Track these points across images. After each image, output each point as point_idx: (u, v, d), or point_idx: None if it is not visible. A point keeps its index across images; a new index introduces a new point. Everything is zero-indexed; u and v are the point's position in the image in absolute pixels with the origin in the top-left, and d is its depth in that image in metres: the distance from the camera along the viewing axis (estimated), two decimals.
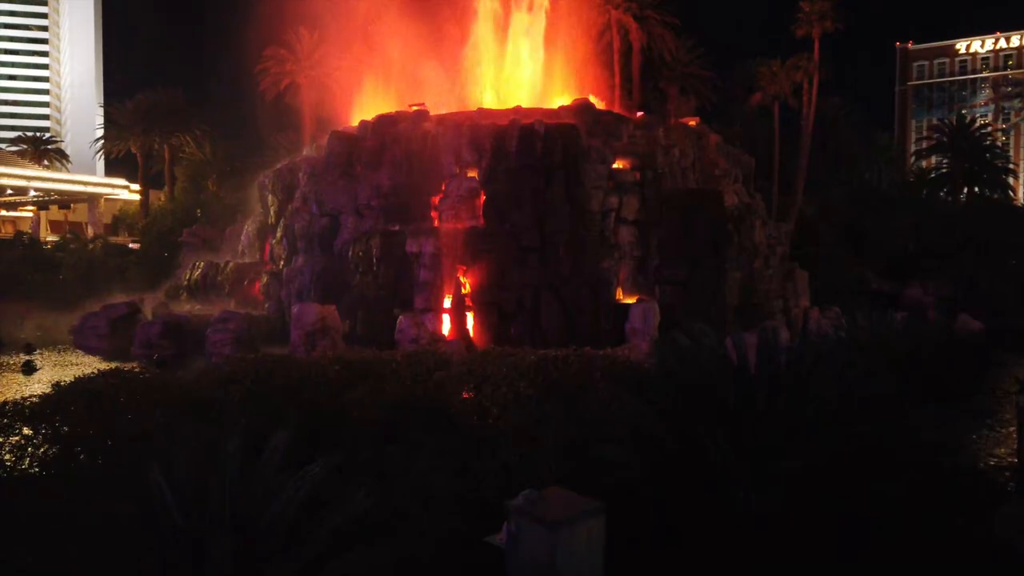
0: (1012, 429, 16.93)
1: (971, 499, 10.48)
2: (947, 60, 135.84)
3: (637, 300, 33.46)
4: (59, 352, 34.36)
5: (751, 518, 9.29)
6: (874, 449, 9.91)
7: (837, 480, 9.47)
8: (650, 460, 10.13)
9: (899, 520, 9.52)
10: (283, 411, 11.88)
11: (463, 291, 32.69)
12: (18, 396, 11.82)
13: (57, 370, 29.63)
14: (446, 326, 32.23)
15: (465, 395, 13.91)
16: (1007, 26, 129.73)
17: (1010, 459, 15.15)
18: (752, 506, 9.27)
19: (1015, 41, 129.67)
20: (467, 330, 31.91)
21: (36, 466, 10.40)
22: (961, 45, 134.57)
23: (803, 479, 9.40)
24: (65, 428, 10.91)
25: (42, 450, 10.64)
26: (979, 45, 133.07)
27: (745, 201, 41.47)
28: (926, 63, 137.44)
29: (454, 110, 40.79)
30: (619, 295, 34.74)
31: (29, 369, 29.79)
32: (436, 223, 34.77)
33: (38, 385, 24.15)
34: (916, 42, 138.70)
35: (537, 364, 13.85)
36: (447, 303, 32.56)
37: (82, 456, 10.64)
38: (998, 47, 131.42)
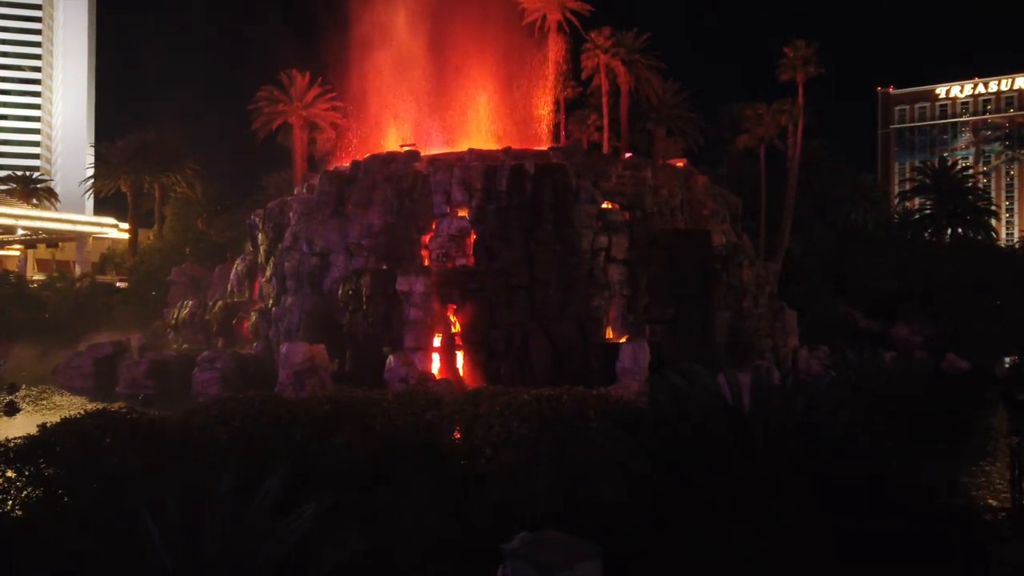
0: (1003, 467, 16.91)
1: (966, 541, 10.42)
2: (927, 104, 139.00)
3: (627, 339, 33.45)
4: (44, 392, 33.88)
5: (748, 558, 9.19)
6: (868, 490, 9.87)
7: (832, 520, 9.40)
8: (646, 500, 10.03)
9: (896, 562, 9.44)
10: (272, 452, 11.70)
11: (453, 330, 32.63)
12: (1, 437, 11.60)
13: (40, 410, 29.17)
14: (435, 365, 32.09)
15: (457, 435, 13.78)
16: (984, 72, 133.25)
17: (1004, 500, 15.09)
18: (751, 546, 9.18)
19: (992, 87, 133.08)
20: (456, 369, 31.77)
21: (18, 509, 10.19)
22: (941, 90, 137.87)
23: (799, 519, 9.33)
24: (49, 470, 10.70)
25: (24, 493, 10.42)
26: (958, 90, 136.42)
27: (733, 241, 41.84)
28: (907, 107, 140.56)
29: (445, 150, 41.17)
30: (608, 334, 34.74)
31: (11, 409, 29.30)
32: (426, 262, 34.85)
33: (20, 426, 23.72)
34: (897, 87, 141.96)
35: (530, 403, 13.75)
36: (437, 342, 32.46)
37: (66, 499, 10.43)
38: (976, 92, 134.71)
